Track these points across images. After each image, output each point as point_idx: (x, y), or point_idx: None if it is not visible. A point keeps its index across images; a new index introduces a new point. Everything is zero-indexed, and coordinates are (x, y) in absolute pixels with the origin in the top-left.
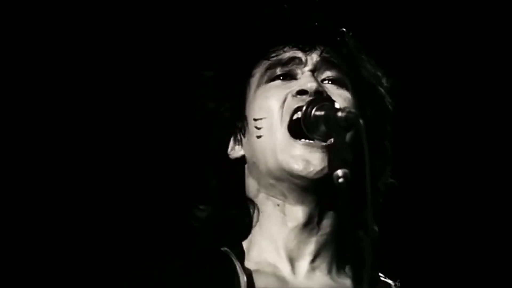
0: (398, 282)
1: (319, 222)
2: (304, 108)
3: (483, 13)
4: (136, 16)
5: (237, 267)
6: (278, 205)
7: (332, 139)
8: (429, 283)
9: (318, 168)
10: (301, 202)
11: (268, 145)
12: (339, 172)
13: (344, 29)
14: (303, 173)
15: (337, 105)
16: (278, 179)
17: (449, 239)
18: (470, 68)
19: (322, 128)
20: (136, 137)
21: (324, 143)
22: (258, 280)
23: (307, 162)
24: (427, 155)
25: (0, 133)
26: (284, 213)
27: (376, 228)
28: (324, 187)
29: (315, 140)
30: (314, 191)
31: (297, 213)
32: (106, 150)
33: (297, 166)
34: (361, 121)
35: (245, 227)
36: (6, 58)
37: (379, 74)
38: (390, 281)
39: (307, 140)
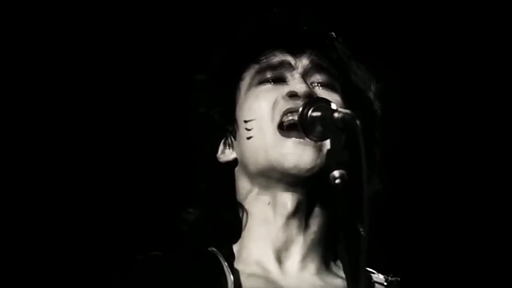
0: (391, 276)
1: (307, 218)
2: (301, 109)
3: (479, 16)
4: (128, 20)
5: (224, 266)
6: (269, 203)
7: (328, 140)
8: (421, 279)
9: (309, 165)
10: (291, 192)
11: (258, 144)
12: (336, 173)
13: (334, 34)
14: (294, 171)
15: (333, 106)
16: (269, 177)
17: (443, 239)
18: (464, 73)
19: (319, 128)
20: (127, 139)
21: (315, 141)
22: (246, 281)
23: (298, 159)
24: (419, 157)
25: None
26: (273, 210)
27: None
28: (314, 184)
29: (307, 139)
30: (304, 186)
31: (286, 204)
32: (98, 152)
33: (288, 164)
34: (357, 122)
35: (234, 230)
36: (6, 58)
37: (369, 79)
38: (381, 276)
39: (297, 139)
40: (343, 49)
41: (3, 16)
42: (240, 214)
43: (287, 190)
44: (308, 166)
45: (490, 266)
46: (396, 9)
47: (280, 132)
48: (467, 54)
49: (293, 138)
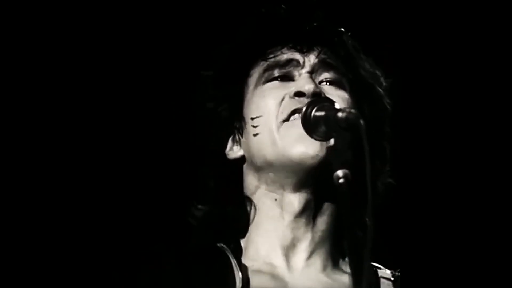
0: (398, 271)
1: (315, 216)
2: (304, 108)
3: (483, 13)
4: (136, 16)
5: (233, 263)
6: (276, 199)
7: (332, 140)
8: (423, 276)
9: (317, 151)
10: (298, 190)
11: (266, 139)
12: (340, 172)
13: (342, 29)
14: (302, 157)
15: (337, 106)
16: (277, 168)
17: (446, 237)
18: (470, 68)
19: (322, 128)
20: (135, 136)
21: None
22: (253, 277)
23: (306, 146)
24: (425, 154)
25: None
26: (281, 208)
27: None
28: (320, 175)
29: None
30: (311, 177)
31: (294, 203)
32: (105, 149)
33: (296, 150)
34: (361, 121)
35: (242, 224)
36: (6, 58)
37: (378, 74)
38: (388, 271)
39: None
40: (352, 44)
41: (3, 16)
42: (248, 209)
43: (294, 190)
44: (316, 152)
45: (491, 264)
46: (399, 7)
47: (285, 124)
48: (467, 53)
49: (298, 128)
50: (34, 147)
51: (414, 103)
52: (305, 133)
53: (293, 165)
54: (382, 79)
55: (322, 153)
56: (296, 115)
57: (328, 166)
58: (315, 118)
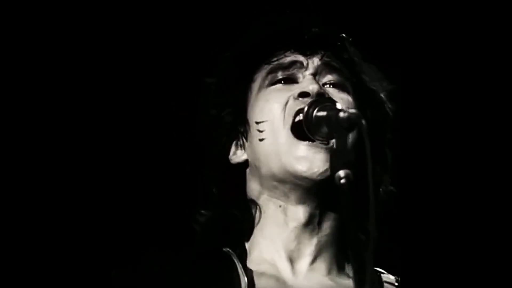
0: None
1: (320, 223)
2: (306, 109)
3: (483, 17)
4: (140, 22)
5: (238, 267)
6: (280, 206)
7: (334, 140)
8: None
9: (322, 169)
10: (303, 202)
11: (271, 147)
12: (341, 173)
13: (345, 35)
14: (307, 174)
15: (338, 106)
16: (281, 181)
17: (446, 241)
18: (471, 73)
19: (324, 129)
20: (140, 142)
21: (327, 145)
22: (258, 280)
23: (311, 163)
24: (427, 159)
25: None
26: (285, 214)
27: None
28: (327, 188)
29: (318, 141)
30: (316, 191)
31: (298, 213)
32: (111, 156)
33: (301, 167)
34: (363, 121)
35: (246, 227)
36: (6, 58)
37: (380, 80)
38: (391, 276)
39: (310, 142)
40: (354, 50)
41: (3, 16)
42: (253, 211)
43: (299, 201)
44: (321, 170)
45: (492, 268)
46: (401, 12)
47: (292, 134)
48: (469, 57)
49: (306, 142)
50: (39, 154)
51: (415, 109)
52: (311, 145)
53: (298, 181)
54: (384, 85)
55: (326, 167)
56: (301, 115)
57: (333, 176)
58: (317, 119)
